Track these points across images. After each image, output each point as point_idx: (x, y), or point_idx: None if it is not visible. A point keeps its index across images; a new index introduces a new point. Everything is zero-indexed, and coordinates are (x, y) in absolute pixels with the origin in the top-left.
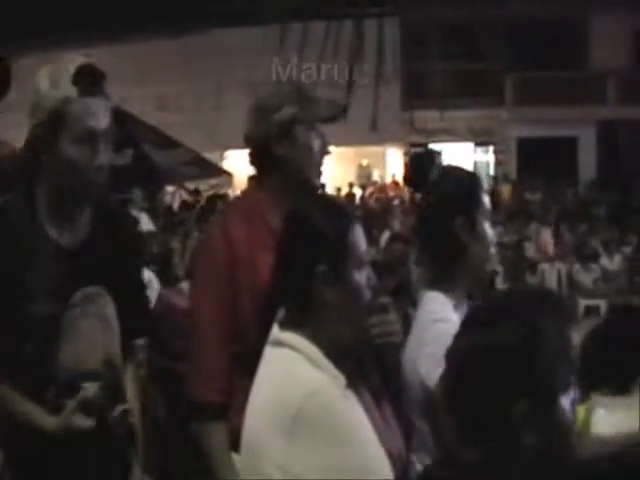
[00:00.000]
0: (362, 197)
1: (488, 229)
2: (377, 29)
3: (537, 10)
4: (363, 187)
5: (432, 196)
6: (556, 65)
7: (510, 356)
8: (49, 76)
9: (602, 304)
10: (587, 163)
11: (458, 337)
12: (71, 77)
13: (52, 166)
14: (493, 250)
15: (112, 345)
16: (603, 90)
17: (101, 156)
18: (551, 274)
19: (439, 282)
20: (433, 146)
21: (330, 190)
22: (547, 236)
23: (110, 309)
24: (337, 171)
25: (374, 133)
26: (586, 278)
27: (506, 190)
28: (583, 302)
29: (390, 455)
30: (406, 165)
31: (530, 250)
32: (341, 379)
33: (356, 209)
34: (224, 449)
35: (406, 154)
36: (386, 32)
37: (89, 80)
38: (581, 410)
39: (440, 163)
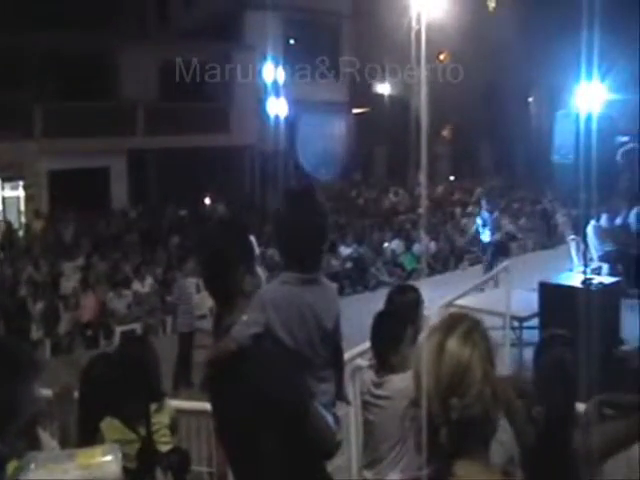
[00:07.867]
0: None
1: None
2: None
3: (67, 41)
4: None
5: None
6: (87, 96)
7: None
8: None
9: (137, 327)
10: (119, 192)
11: None
12: None
13: None
14: None
15: None
16: (133, 120)
17: None
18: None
19: None
20: None
21: None
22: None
23: None
24: None
25: None
26: (119, 304)
27: (38, 226)
28: (119, 329)
29: None
30: None
31: (65, 286)
32: None
33: None
34: None
35: None
36: None
37: None
38: (11, 465)
39: None
